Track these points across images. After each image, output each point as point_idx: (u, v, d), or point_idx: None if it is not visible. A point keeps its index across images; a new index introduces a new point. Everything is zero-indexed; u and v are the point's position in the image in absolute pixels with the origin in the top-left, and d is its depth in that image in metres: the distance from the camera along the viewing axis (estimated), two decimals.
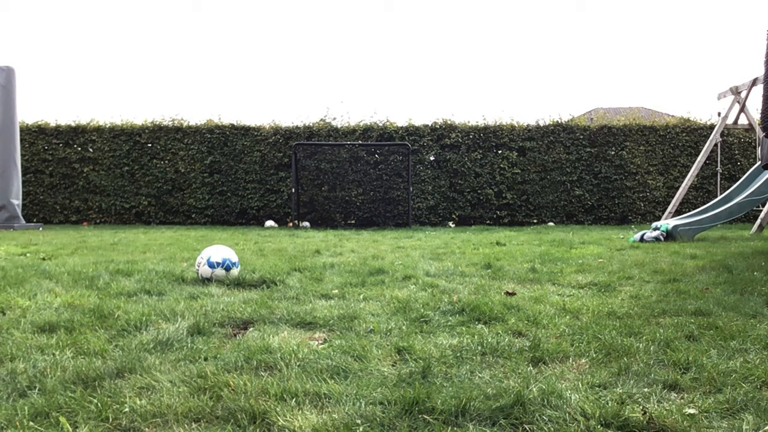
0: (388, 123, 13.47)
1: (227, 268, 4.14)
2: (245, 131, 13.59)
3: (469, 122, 13.56)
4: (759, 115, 5.81)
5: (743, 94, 10.45)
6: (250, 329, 2.76)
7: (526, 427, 1.65)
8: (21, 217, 11.84)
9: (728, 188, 9.99)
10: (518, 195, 13.34)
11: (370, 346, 2.40)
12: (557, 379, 2.03)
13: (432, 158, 13.39)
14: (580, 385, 1.94)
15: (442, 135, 13.34)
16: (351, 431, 1.61)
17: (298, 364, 2.17)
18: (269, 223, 13.09)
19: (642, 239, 7.68)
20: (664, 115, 20.04)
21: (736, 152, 13.24)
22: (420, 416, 1.70)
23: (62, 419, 1.66)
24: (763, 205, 8.94)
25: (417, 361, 2.22)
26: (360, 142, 13.01)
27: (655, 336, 2.54)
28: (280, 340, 2.53)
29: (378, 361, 2.24)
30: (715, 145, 11.00)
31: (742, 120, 10.83)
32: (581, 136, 13.36)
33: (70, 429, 1.62)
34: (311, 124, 13.55)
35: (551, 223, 13.17)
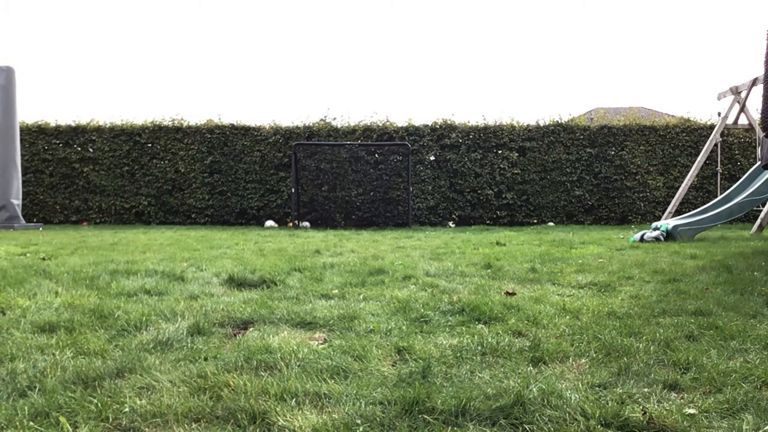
0: (388, 123, 13.46)
1: None
2: (245, 131, 13.59)
3: (469, 122, 13.55)
4: (759, 115, 5.81)
5: (743, 94, 10.45)
6: (250, 329, 2.76)
7: (526, 427, 1.65)
8: (21, 217, 11.84)
9: (728, 188, 9.99)
10: (518, 195, 13.33)
11: (370, 346, 2.40)
12: (557, 379, 2.03)
13: (432, 158, 13.39)
14: (580, 385, 1.94)
15: (442, 135, 13.34)
16: (351, 431, 1.61)
17: (298, 364, 2.17)
18: (269, 223, 13.09)
19: (642, 239, 7.68)
20: (664, 115, 20.02)
21: (736, 152, 13.24)
22: (420, 416, 1.70)
23: (62, 419, 1.66)
24: (763, 205, 8.93)
25: (417, 361, 2.22)
26: (360, 142, 13.01)
27: (655, 336, 2.54)
28: (280, 340, 2.53)
29: (378, 361, 2.24)
30: (715, 145, 11.00)
31: (742, 120, 10.82)
32: (581, 136, 13.36)
33: (70, 429, 1.62)
34: (311, 124, 13.55)
35: (551, 223, 13.17)
